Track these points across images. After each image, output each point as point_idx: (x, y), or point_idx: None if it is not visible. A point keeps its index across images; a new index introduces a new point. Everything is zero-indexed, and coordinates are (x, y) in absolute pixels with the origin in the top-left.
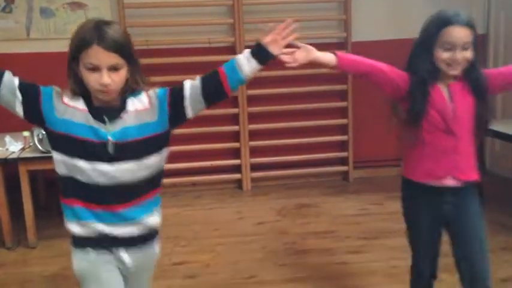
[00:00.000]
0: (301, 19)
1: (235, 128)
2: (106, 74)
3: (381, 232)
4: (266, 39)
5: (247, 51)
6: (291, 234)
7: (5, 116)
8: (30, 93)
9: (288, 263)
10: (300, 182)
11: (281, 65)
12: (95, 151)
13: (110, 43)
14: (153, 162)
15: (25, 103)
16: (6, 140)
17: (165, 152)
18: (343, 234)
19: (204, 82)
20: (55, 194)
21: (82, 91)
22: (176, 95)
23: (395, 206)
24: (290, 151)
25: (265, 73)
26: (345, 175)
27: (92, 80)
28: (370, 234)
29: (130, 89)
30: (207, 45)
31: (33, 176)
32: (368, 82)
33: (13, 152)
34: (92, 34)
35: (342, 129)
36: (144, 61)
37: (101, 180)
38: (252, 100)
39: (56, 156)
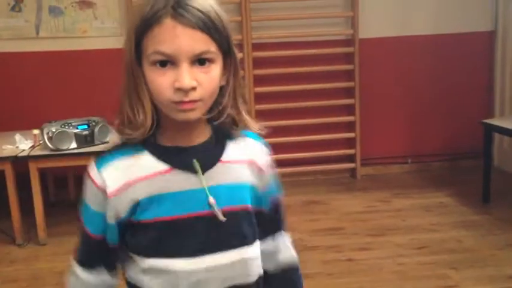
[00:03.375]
0: (308, 16)
1: None
2: (187, 69)
3: (388, 229)
4: None
5: None
6: (298, 231)
7: (14, 114)
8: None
9: None
10: (308, 179)
11: (288, 63)
12: None
13: (193, 15)
14: None
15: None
16: (16, 138)
17: None
18: (351, 231)
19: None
20: (65, 192)
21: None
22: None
23: (403, 203)
24: (297, 148)
25: (271, 71)
26: (352, 172)
27: (164, 83)
28: (378, 231)
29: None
30: None
31: (43, 174)
32: (375, 81)
33: (23, 150)
34: (162, 2)
35: (350, 127)
36: None
37: None
38: (259, 98)
39: None
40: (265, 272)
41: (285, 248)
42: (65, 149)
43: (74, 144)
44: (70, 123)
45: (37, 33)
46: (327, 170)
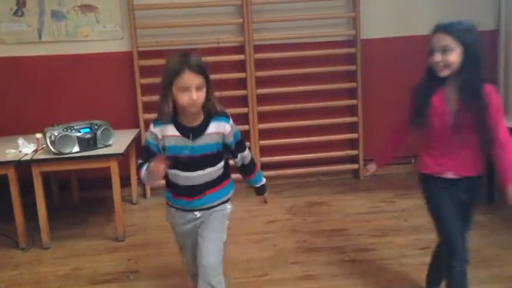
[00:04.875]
0: (309, 17)
1: (246, 127)
2: (195, 91)
3: (392, 230)
4: None
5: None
6: (302, 232)
7: (17, 119)
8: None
9: (299, 261)
10: (311, 181)
11: (290, 64)
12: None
13: (196, 68)
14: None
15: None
16: (19, 142)
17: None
18: (354, 232)
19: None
20: (68, 195)
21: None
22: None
23: (406, 203)
24: (300, 150)
25: (274, 72)
26: (355, 173)
27: (185, 98)
28: (381, 232)
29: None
30: (216, 45)
31: (46, 178)
32: (377, 81)
33: (26, 154)
34: (182, 63)
35: (352, 127)
36: (154, 62)
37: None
38: (262, 99)
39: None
40: (239, 167)
41: (245, 157)
42: (67, 153)
43: (76, 148)
44: (72, 126)
45: (39, 37)
46: (329, 171)
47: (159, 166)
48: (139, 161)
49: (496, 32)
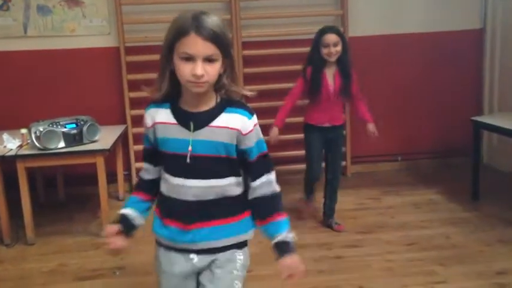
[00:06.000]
0: (298, 15)
1: None
2: (200, 64)
3: (378, 226)
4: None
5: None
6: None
7: (2, 114)
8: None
9: None
10: (298, 178)
11: (278, 61)
12: None
13: (207, 32)
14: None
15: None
16: (4, 137)
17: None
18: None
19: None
20: (54, 191)
21: (170, 90)
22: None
23: (393, 200)
24: (288, 147)
25: (261, 69)
26: (342, 170)
27: (186, 70)
28: (367, 228)
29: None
30: None
31: (31, 174)
32: (365, 79)
33: (11, 150)
34: (190, 23)
35: None
36: (141, 58)
37: None
38: (247, 96)
39: None
40: (251, 199)
41: (267, 185)
42: (53, 148)
43: (62, 144)
44: (58, 122)
45: (25, 32)
46: None
47: (114, 241)
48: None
49: (481, 31)
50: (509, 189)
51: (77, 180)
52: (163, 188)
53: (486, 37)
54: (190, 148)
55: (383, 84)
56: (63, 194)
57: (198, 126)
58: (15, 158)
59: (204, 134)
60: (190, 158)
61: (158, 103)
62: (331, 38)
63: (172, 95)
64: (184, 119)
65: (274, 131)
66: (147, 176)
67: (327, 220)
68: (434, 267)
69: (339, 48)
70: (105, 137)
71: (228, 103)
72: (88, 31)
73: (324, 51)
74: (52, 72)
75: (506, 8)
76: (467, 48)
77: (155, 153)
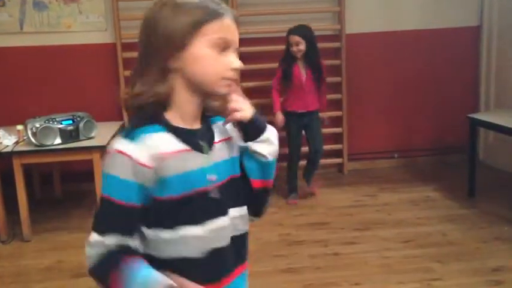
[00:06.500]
0: (295, 11)
1: None
2: (237, 54)
3: (374, 223)
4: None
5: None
6: (285, 226)
7: None
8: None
9: (282, 254)
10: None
11: (275, 57)
12: None
13: (236, 19)
14: None
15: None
16: (0, 133)
17: None
18: (337, 225)
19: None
20: (50, 188)
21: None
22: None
23: (389, 197)
24: (284, 144)
25: (258, 66)
26: (339, 167)
27: (222, 63)
28: (364, 225)
29: None
30: None
31: (28, 170)
32: (362, 76)
33: (7, 146)
34: (216, 4)
35: (337, 122)
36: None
37: None
38: (246, 93)
39: None
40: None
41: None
42: (49, 145)
43: (58, 140)
44: (54, 118)
45: (21, 28)
46: None
47: None
48: (97, 248)
49: (478, 28)
50: (505, 187)
51: (73, 177)
52: (174, 252)
53: (483, 34)
54: (213, 177)
55: (379, 81)
56: (59, 190)
57: (210, 145)
58: (12, 154)
59: (218, 155)
60: (214, 190)
61: (141, 126)
62: (293, 38)
63: (154, 109)
64: (191, 140)
65: (279, 116)
66: (130, 243)
67: (306, 187)
68: (431, 264)
69: (301, 47)
70: (102, 134)
71: (205, 113)
72: (84, 27)
73: (292, 48)
74: (48, 68)
75: (503, 5)
76: (464, 46)
77: (143, 213)
